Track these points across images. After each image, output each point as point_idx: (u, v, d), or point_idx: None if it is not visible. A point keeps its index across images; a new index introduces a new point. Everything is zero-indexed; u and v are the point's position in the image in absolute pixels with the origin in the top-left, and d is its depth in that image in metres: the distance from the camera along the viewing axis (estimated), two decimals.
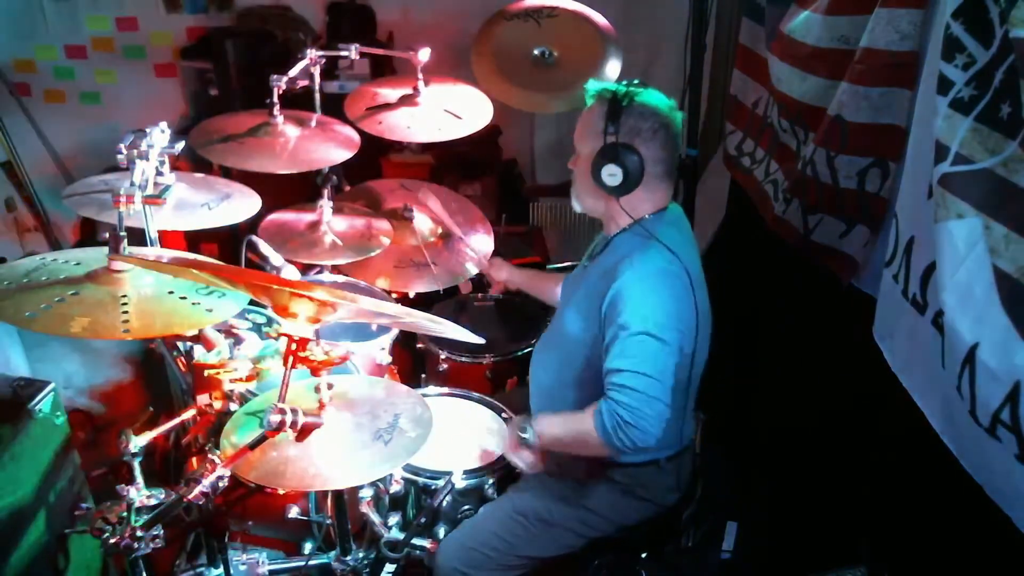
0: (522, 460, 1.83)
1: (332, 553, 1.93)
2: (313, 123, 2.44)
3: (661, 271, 1.68)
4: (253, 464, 1.40)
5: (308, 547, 2.06)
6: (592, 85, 1.78)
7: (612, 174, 1.69)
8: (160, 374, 2.36)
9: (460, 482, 1.83)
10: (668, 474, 1.84)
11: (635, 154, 1.69)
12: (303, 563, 2.00)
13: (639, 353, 1.64)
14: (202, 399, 1.79)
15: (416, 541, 1.86)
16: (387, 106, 2.51)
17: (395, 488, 1.90)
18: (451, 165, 3.92)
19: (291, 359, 1.36)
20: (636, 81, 1.76)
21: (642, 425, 1.61)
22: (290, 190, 2.75)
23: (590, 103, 1.78)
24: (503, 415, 2.09)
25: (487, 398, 2.17)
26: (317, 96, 2.58)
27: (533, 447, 1.80)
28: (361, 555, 1.90)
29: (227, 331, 1.90)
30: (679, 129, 1.77)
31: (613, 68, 2.66)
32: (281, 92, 2.35)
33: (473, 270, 2.49)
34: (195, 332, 1.86)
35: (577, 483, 1.83)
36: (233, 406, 1.83)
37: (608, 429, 1.62)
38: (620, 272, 1.69)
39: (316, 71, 2.54)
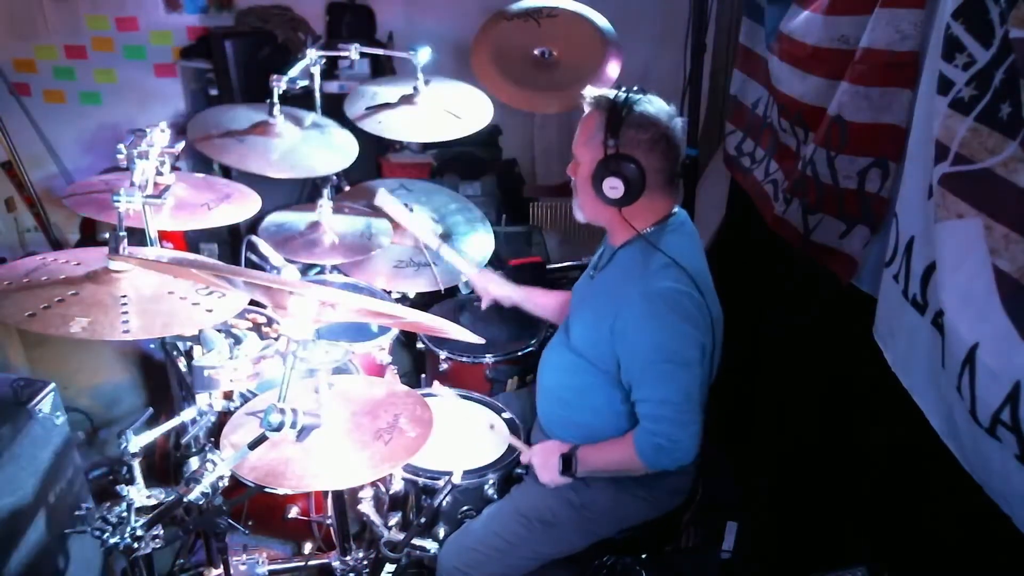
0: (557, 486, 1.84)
1: (332, 553, 1.93)
2: (308, 123, 2.43)
3: (671, 292, 1.66)
4: (253, 464, 1.40)
5: (308, 547, 2.06)
6: (590, 91, 1.75)
7: (613, 187, 1.67)
8: (160, 374, 2.36)
9: (460, 482, 1.83)
10: (673, 477, 1.84)
11: (636, 165, 1.66)
12: (303, 563, 2.00)
13: (664, 381, 1.66)
14: (202, 399, 1.79)
15: (416, 541, 1.86)
16: (387, 106, 2.51)
17: (395, 488, 1.91)
18: (451, 165, 3.93)
19: (291, 359, 1.36)
20: (635, 88, 1.72)
21: (682, 446, 1.67)
22: (290, 190, 2.76)
23: (588, 110, 1.75)
24: (504, 415, 2.09)
25: (487, 398, 2.17)
26: (317, 96, 2.58)
27: (575, 477, 1.80)
28: (361, 555, 1.90)
29: (227, 331, 1.90)
30: (681, 137, 1.73)
31: (613, 68, 2.66)
32: (281, 92, 2.35)
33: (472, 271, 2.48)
34: (195, 332, 1.86)
35: (580, 484, 1.83)
36: (233, 406, 1.83)
37: (651, 457, 1.69)
38: (629, 297, 1.68)
39: (316, 71, 2.54)
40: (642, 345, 1.66)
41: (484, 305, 2.33)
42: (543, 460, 1.83)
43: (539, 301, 2.24)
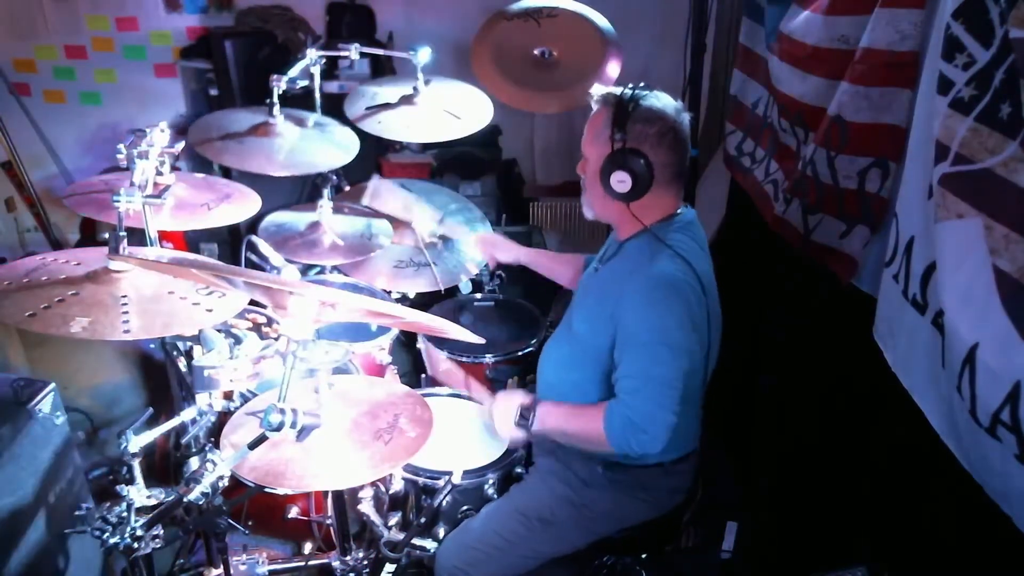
0: (511, 438, 1.81)
1: (332, 553, 1.93)
2: (311, 124, 2.43)
3: (673, 280, 1.66)
4: (253, 464, 1.40)
5: (308, 547, 2.06)
6: (597, 89, 1.76)
7: (621, 181, 1.68)
8: (160, 374, 2.36)
9: (460, 482, 1.83)
10: (673, 476, 1.84)
11: (643, 159, 1.67)
12: (303, 563, 2.00)
13: (653, 360, 1.64)
14: (202, 399, 1.79)
15: (416, 541, 1.87)
16: (387, 106, 2.51)
17: (395, 488, 1.91)
18: (451, 165, 3.93)
19: (291, 359, 1.36)
20: (642, 84, 1.73)
21: (652, 431, 1.62)
22: (290, 190, 2.75)
23: (595, 108, 1.76)
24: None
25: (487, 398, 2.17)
26: (317, 96, 2.58)
27: (530, 432, 1.78)
28: (361, 555, 1.90)
29: (227, 331, 1.90)
30: (688, 131, 1.74)
31: (613, 68, 2.66)
32: (281, 92, 2.35)
33: (472, 271, 2.48)
34: (195, 332, 1.85)
35: (580, 483, 1.83)
36: (233, 406, 1.83)
37: (617, 432, 1.65)
38: (631, 281, 1.68)
39: (316, 71, 2.54)
40: (638, 325, 1.65)
41: (492, 266, 2.37)
42: (502, 410, 1.81)
43: (547, 263, 2.25)
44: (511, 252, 2.31)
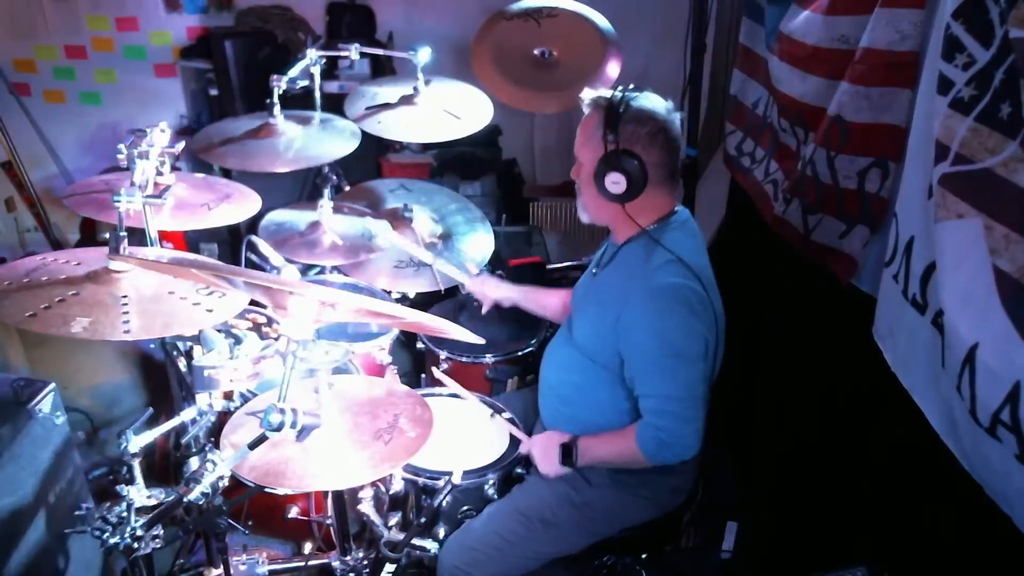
0: (558, 473, 1.82)
1: (332, 553, 1.93)
2: (315, 123, 2.43)
3: (674, 288, 1.67)
4: (253, 464, 1.40)
5: (308, 547, 2.06)
6: (587, 93, 1.77)
7: (615, 182, 1.69)
8: (160, 374, 2.36)
9: (460, 482, 1.83)
10: (674, 476, 1.84)
11: (636, 160, 1.68)
12: (303, 563, 2.00)
13: (668, 376, 1.67)
14: (202, 399, 1.79)
15: (416, 541, 1.86)
16: (387, 106, 2.51)
17: (395, 488, 1.91)
18: (451, 165, 3.93)
19: (291, 359, 1.36)
20: (631, 86, 1.75)
21: (684, 442, 1.68)
22: (290, 190, 2.74)
23: (587, 112, 1.77)
24: (504, 415, 2.09)
25: (487, 398, 2.17)
26: (317, 96, 2.58)
27: (576, 467, 1.80)
28: (361, 555, 1.90)
29: (227, 331, 1.90)
30: (679, 131, 1.75)
31: (613, 68, 2.66)
32: (281, 92, 2.35)
33: (472, 271, 2.48)
34: (195, 332, 1.85)
35: (581, 482, 1.83)
36: (233, 406, 1.83)
37: (652, 452, 1.70)
38: (632, 292, 1.69)
39: (316, 71, 2.54)
40: (646, 340, 1.67)
41: (485, 309, 2.33)
42: (543, 450, 1.83)
43: (539, 300, 2.24)
44: (501, 291, 2.28)
